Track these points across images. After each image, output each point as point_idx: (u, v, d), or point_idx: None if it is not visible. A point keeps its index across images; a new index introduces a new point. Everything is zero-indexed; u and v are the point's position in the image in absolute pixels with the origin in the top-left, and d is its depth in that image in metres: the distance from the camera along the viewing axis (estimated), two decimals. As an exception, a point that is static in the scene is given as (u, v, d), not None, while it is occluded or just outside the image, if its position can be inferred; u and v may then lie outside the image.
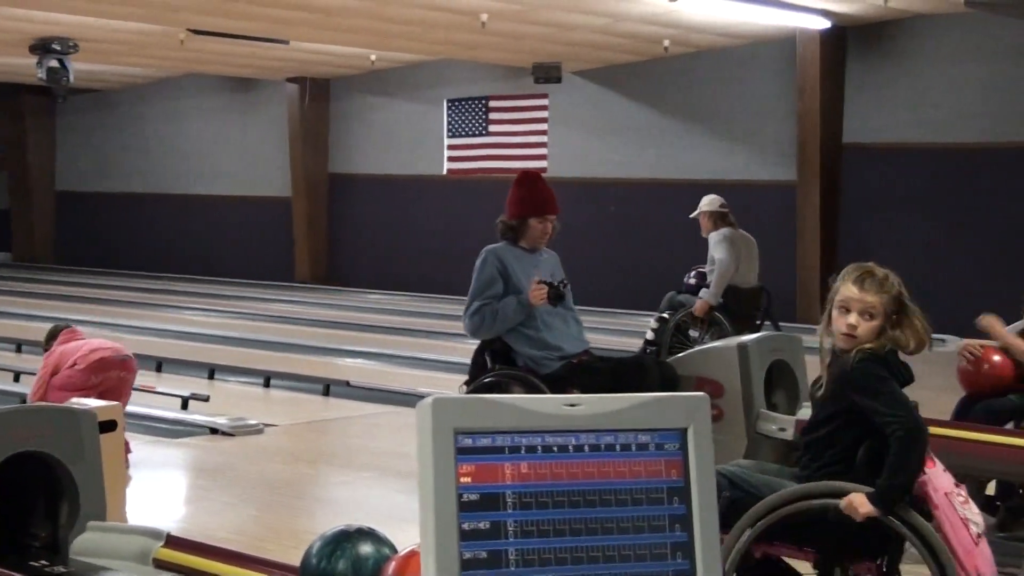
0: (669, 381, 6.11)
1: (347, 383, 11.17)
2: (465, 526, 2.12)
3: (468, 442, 2.16)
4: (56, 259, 27.14)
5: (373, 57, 20.15)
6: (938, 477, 4.05)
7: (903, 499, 3.94)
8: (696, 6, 15.18)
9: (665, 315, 11.12)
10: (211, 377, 11.76)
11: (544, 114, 19.11)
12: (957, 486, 4.08)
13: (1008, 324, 6.32)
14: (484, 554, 2.13)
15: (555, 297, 6.25)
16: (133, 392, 9.84)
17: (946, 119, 16.09)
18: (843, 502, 3.93)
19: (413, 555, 3.03)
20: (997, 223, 15.72)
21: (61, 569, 3.86)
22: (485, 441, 2.17)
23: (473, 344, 6.74)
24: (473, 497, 2.14)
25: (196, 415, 9.38)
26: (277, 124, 23.34)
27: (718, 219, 10.94)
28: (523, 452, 2.19)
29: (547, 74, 18.71)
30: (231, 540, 5.77)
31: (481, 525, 2.14)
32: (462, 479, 2.14)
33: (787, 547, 4.14)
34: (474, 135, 19.68)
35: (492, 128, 19.56)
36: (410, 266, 21.60)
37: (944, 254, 16.11)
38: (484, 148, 19.60)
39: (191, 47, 18.42)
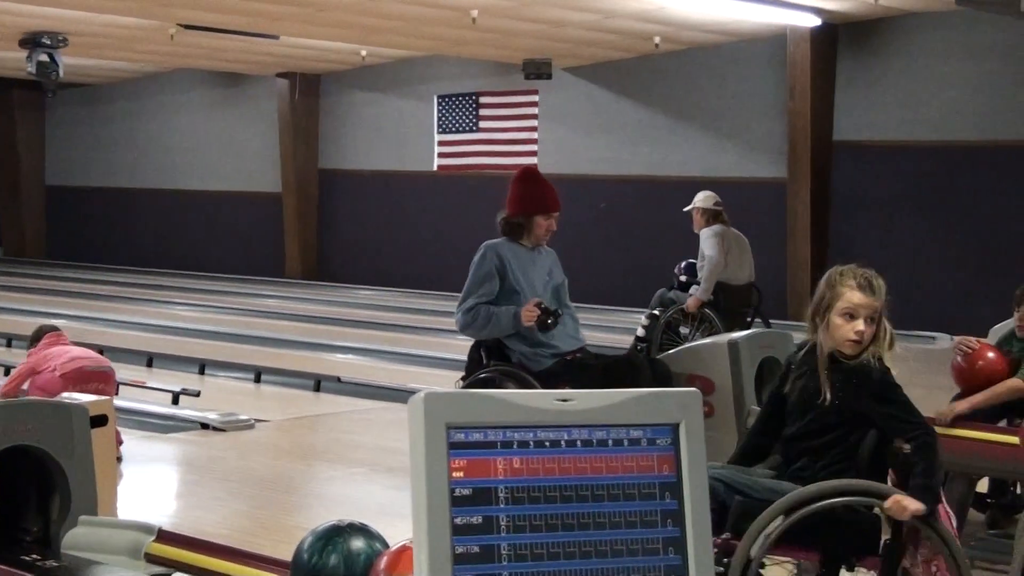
0: (663, 379, 6.11)
1: (338, 379, 11.18)
2: (457, 520, 2.13)
3: (460, 437, 2.17)
4: (46, 254, 27.09)
5: (363, 52, 20.13)
6: None
7: (939, 499, 4.02)
8: (687, 3, 15.20)
9: (656, 312, 11.14)
10: (202, 372, 11.76)
11: (534, 110, 19.10)
12: None
13: (998, 322, 6.33)
14: (476, 548, 2.13)
15: (543, 324, 6.20)
16: (123, 387, 9.88)
17: (936, 117, 16.12)
18: (889, 503, 3.94)
19: (405, 550, 3.03)
20: (987, 221, 15.76)
21: (53, 563, 3.86)
22: (477, 436, 2.18)
23: (464, 340, 6.74)
24: (465, 492, 2.15)
25: (187, 410, 9.38)
26: (267, 119, 23.31)
27: (711, 216, 10.95)
28: (515, 447, 2.20)
29: (538, 70, 18.71)
30: (222, 535, 5.77)
31: (473, 520, 2.14)
32: (454, 474, 2.15)
33: (792, 549, 4.09)
34: (464, 131, 19.67)
35: (482, 124, 19.54)
36: (400, 262, 21.59)
37: (934, 251, 16.14)
38: (474, 144, 19.58)
39: (181, 42, 18.39)
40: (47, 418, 4.05)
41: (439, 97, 19.81)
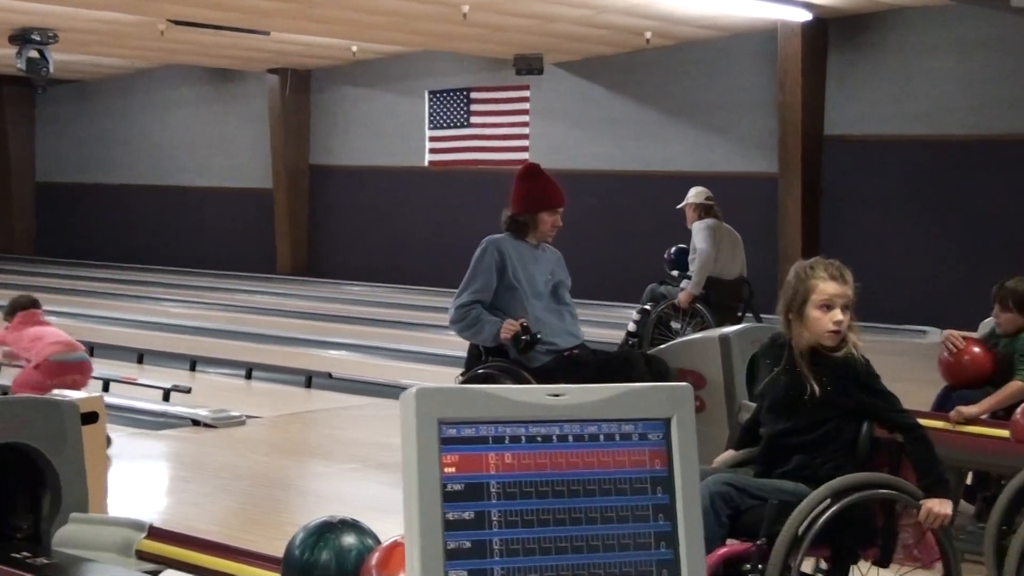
0: (659, 376, 6.09)
1: (329, 375, 11.17)
2: (449, 516, 2.13)
3: (452, 432, 2.16)
4: (36, 251, 27.04)
5: (354, 48, 20.11)
6: None
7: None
8: (678, -2, 15.21)
9: (647, 307, 11.15)
10: (193, 369, 11.74)
11: (526, 106, 19.11)
12: None
13: (987, 317, 6.34)
14: (468, 544, 2.13)
15: (517, 343, 6.16)
16: (115, 384, 9.88)
17: (927, 111, 16.14)
18: (923, 513, 4.00)
19: (397, 546, 3.03)
20: (978, 215, 15.78)
21: (43, 561, 3.85)
22: (469, 431, 2.18)
23: (456, 336, 6.73)
24: (457, 487, 2.15)
25: (178, 407, 9.36)
26: (258, 115, 23.29)
27: (703, 211, 10.98)
28: (507, 442, 2.20)
29: (529, 66, 18.71)
30: (213, 531, 5.77)
31: (465, 515, 2.14)
32: (446, 469, 2.14)
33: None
34: (456, 127, 19.67)
35: (474, 120, 19.55)
36: (392, 257, 21.59)
37: (925, 246, 16.17)
38: (466, 140, 19.59)
39: (171, 38, 18.36)
40: (37, 415, 4.04)
41: (430, 93, 19.81)
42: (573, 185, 18.36)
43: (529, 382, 6.03)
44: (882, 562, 4.17)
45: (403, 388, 2.21)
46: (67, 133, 26.94)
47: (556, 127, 19.43)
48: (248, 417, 9.19)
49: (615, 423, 2.26)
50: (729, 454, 4.38)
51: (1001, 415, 5.75)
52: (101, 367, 11.09)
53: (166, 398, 9.67)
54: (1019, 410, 5.38)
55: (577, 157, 18.97)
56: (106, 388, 9.78)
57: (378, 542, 3.15)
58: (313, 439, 9.12)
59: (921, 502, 4.03)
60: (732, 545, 3.94)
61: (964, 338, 6.08)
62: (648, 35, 17.36)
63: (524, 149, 18.84)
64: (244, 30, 17.76)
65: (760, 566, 3.85)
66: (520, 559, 2.16)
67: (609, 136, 19.14)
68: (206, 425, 8.86)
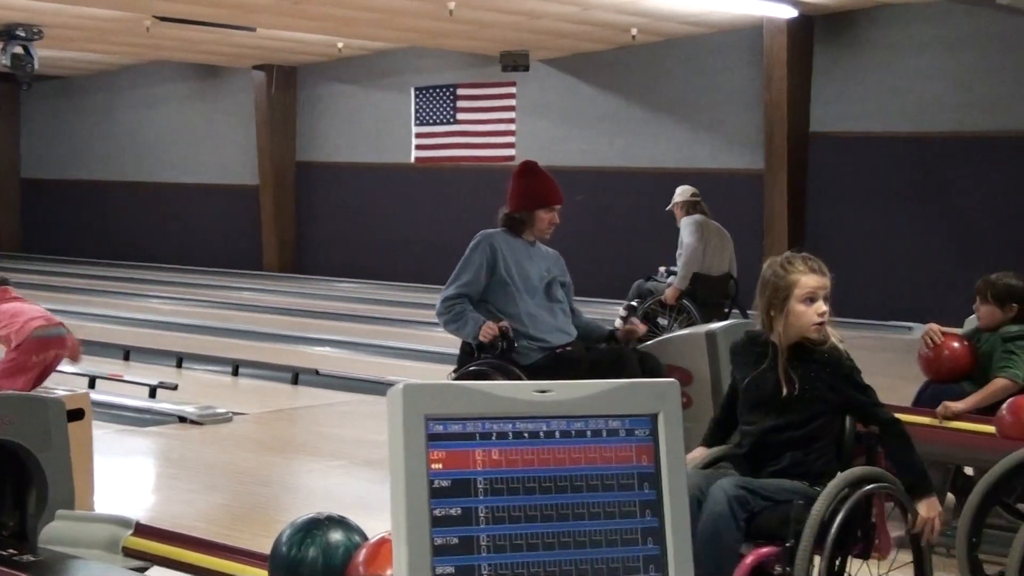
0: (652, 374, 6.08)
1: (316, 371, 11.16)
2: (436, 512, 2.13)
3: (439, 428, 2.16)
4: (21, 247, 26.96)
5: (340, 45, 20.09)
6: None
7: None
8: (664, -6, 15.23)
9: (634, 303, 11.14)
10: (179, 365, 11.73)
11: (512, 102, 19.08)
12: None
13: (973, 313, 6.35)
14: (455, 540, 2.13)
15: (493, 347, 6.14)
16: (100, 380, 9.87)
17: (912, 108, 16.18)
18: (922, 519, 4.05)
19: (384, 542, 3.03)
20: (963, 212, 15.83)
21: (29, 558, 3.84)
22: (456, 427, 2.18)
23: (443, 333, 6.73)
24: (444, 483, 2.15)
25: (164, 404, 9.35)
26: (244, 112, 23.24)
27: (690, 207, 11.06)
28: (494, 438, 2.20)
29: (515, 62, 18.70)
30: (200, 528, 5.76)
31: (452, 511, 2.14)
32: (433, 465, 2.14)
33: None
34: (442, 123, 19.63)
35: (460, 116, 19.52)
36: (378, 254, 21.57)
37: (910, 242, 16.21)
38: (452, 136, 19.55)
39: (157, 34, 18.32)
40: (23, 412, 4.02)
41: (416, 89, 19.78)
42: (559, 182, 18.26)
43: (521, 379, 6.03)
44: (863, 554, 4.19)
45: (390, 385, 2.21)
46: (53, 129, 26.86)
47: (542, 124, 19.43)
48: (235, 414, 9.18)
49: (602, 419, 2.26)
50: (700, 452, 4.35)
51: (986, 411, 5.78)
52: (87, 364, 11.07)
53: (152, 395, 9.65)
54: (1005, 406, 5.40)
55: (563, 154, 18.97)
56: (92, 385, 9.76)
57: (365, 538, 3.15)
58: (300, 436, 9.11)
59: (916, 508, 4.07)
60: (758, 550, 3.93)
61: (943, 333, 6.11)
62: (634, 32, 17.37)
63: (510, 146, 18.82)
64: (230, 26, 17.73)
65: (788, 568, 3.87)
66: (507, 555, 2.16)
67: (595, 133, 19.14)
68: (192, 422, 8.85)
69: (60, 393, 5.41)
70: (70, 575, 3.76)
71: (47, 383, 7.60)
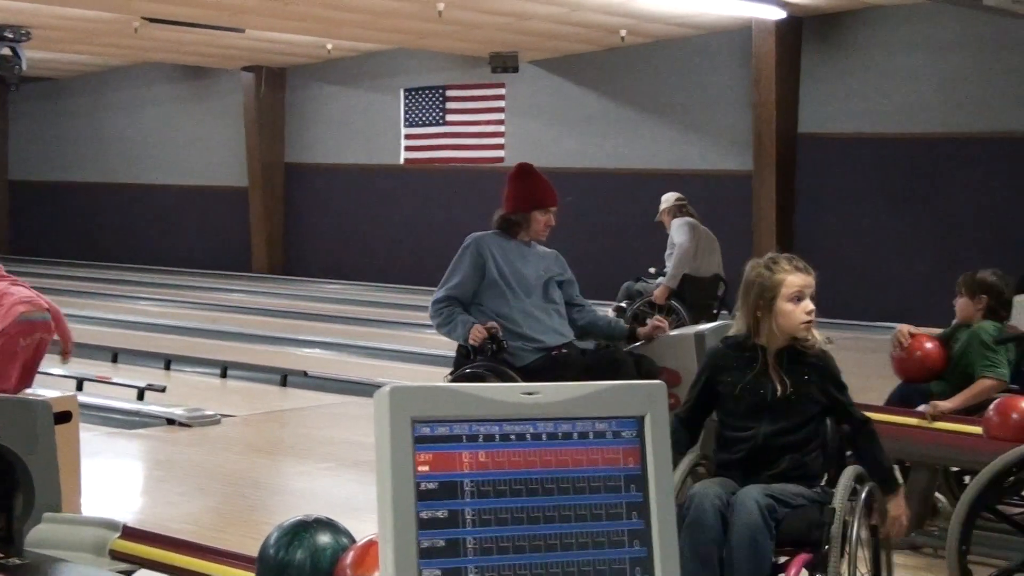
0: (647, 377, 6.07)
1: (304, 373, 11.15)
2: (423, 515, 2.12)
3: (426, 431, 2.16)
4: (9, 249, 26.90)
5: (329, 46, 20.08)
6: None
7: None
8: (653, -4, 15.24)
9: (623, 304, 11.20)
10: (167, 368, 11.71)
11: (501, 104, 19.10)
12: None
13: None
14: (442, 542, 2.13)
15: (482, 349, 6.14)
16: (88, 383, 9.85)
17: (900, 109, 16.22)
18: (891, 517, 4.09)
19: (372, 544, 3.03)
20: (950, 213, 15.87)
21: (16, 561, 3.83)
22: (443, 430, 2.17)
23: (431, 334, 6.73)
24: (431, 486, 2.14)
25: (152, 406, 9.33)
26: (233, 113, 23.22)
27: (676, 212, 11.15)
28: (481, 440, 2.19)
29: (504, 63, 18.72)
30: (188, 531, 5.76)
31: (439, 514, 2.14)
32: (420, 468, 2.14)
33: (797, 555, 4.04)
34: (431, 124, 19.65)
35: (449, 118, 19.54)
36: (367, 256, 21.56)
37: (898, 243, 16.25)
38: (441, 138, 19.57)
39: (145, 35, 18.29)
40: (10, 414, 4.01)
41: (405, 91, 19.80)
42: (548, 183, 17.98)
43: (515, 381, 6.02)
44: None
45: (379, 386, 2.21)
46: (40, 131, 26.81)
47: (531, 125, 19.44)
48: (223, 416, 9.17)
49: (589, 421, 2.26)
50: (687, 463, 4.28)
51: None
52: (75, 366, 11.05)
53: (141, 397, 9.64)
54: (992, 407, 5.41)
55: (552, 155, 18.98)
56: (80, 387, 9.75)
57: (353, 541, 3.14)
58: (288, 438, 9.10)
59: (891, 515, 4.09)
60: (799, 557, 3.93)
61: (912, 334, 6.16)
62: (623, 33, 17.39)
63: (500, 147, 18.84)
64: (219, 27, 17.71)
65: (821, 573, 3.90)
66: (494, 557, 2.16)
67: (584, 134, 19.16)
68: (181, 424, 8.84)
69: (47, 395, 5.39)
70: (57, 578, 3.75)
71: (35, 386, 7.57)
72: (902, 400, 6.07)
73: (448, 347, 6.54)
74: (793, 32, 16.82)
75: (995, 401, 5.46)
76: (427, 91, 19.62)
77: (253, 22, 17.46)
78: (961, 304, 6.10)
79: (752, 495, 3.92)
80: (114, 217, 25.39)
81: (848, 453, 4.32)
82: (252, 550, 3.39)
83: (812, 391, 4.15)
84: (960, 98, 15.73)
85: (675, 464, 4.18)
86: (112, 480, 7.35)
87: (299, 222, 22.92)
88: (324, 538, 3.14)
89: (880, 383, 6.68)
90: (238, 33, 18.29)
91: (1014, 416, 5.24)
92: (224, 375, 11.36)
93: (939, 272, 15.30)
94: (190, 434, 8.66)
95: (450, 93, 19.54)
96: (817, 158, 16.95)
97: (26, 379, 7.10)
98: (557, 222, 6.66)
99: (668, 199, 11.31)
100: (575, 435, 2.26)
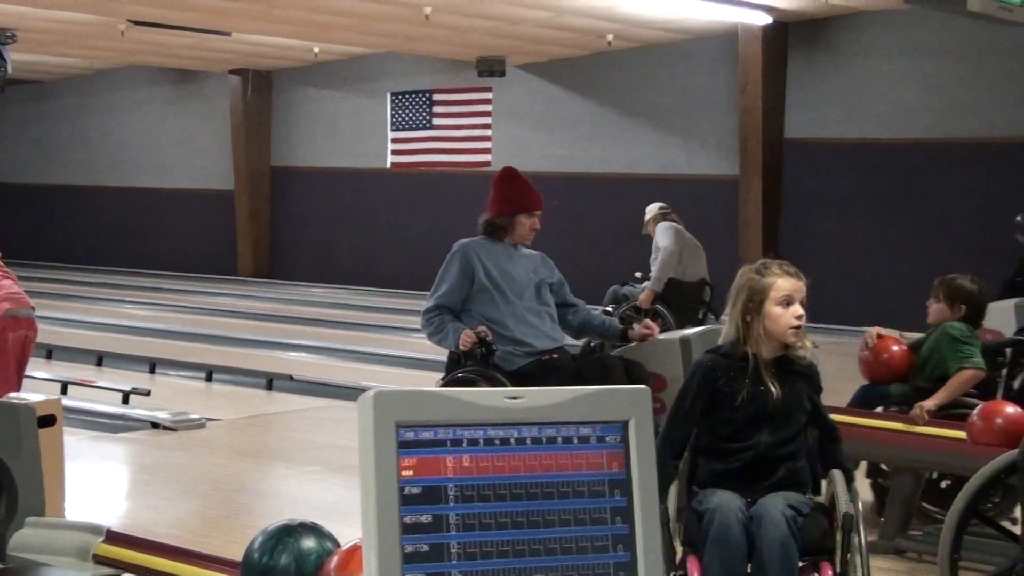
0: (638, 382, 6.05)
1: (290, 377, 11.13)
2: (407, 520, 2.12)
3: (410, 435, 2.16)
4: (-6, 252, 26.81)
5: (316, 49, 20.07)
6: None
7: None
8: (639, 1, 15.25)
9: (609, 309, 11.20)
10: (152, 371, 11.68)
11: (488, 108, 19.09)
12: None
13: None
14: (426, 547, 2.12)
15: (470, 352, 6.13)
16: (73, 386, 9.82)
17: (886, 115, 16.26)
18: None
19: (356, 549, 3.02)
20: (936, 217, 15.90)
21: (-1, 565, 3.83)
22: (427, 434, 2.17)
23: (417, 338, 6.73)
24: (415, 491, 2.14)
25: (137, 409, 9.31)
26: (219, 116, 23.19)
27: (660, 219, 11.22)
28: (465, 445, 2.19)
29: (491, 68, 18.72)
30: (172, 535, 5.74)
31: (423, 518, 2.13)
32: (404, 472, 2.14)
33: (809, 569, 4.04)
34: (418, 128, 19.63)
35: (436, 121, 19.52)
36: (353, 259, 21.54)
37: (884, 248, 16.28)
38: (428, 141, 19.55)
39: (132, 38, 18.26)
40: (-7, 418, 4.00)
41: (392, 94, 19.78)
42: (535, 187, 18.10)
43: (505, 386, 6.01)
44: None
45: (364, 391, 2.20)
46: (26, 134, 26.74)
47: (518, 129, 19.44)
48: (208, 420, 9.15)
49: (573, 426, 2.26)
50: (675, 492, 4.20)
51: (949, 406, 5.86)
52: (60, 370, 11.04)
53: (125, 401, 9.61)
54: (975, 412, 5.43)
55: (539, 159, 18.99)
56: (65, 391, 9.72)
57: (337, 545, 3.14)
58: (274, 442, 9.08)
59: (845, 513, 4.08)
60: (825, 565, 3.93)
61: (879, 335, 6.23)
62: (610, 37, 17.41)
63: (486, 151, 18.83)
64: (205, 31, 17.68)
65: None
66: (478, 562, 2.16)
67: (571, 138, 19.17)
68: (166, 428, 8.81)
69: (31, 399, 5.38)
70: (40, 583, 3.74)
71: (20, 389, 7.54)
72: (863, 401, 6.15)
73: (434, 351, 6.54)
74: (779, 37, 16.85)
75: (978, 407, 5.48)
76: (414, 95, 19.61)
77: (240, 25, 17.43)
78: (937, 309, 6.15)
79: (778, 507, 3.89)
80: (100, 220, 25.33)
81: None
82: (237, 554, 3.38)
83: (802, 400, 4.15)
84: (946, 103, 15.77)
85: (665, 493, 4.11)
86: (96, 484, 7.33)
87: (285, 226, 22.89)
88: (309, 542, 3.14)
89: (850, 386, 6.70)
90: (225, 36, 18.26)
91: (998, 421, 5.26)
92: (209, 379, 11.33)
93: (925, 276, 15.25)
94: (175, 438, 8.64)
95: (437, 97, 19.52)
96: (803, 163, 16.98)
97: (17, 381, 7.09)
98: (543, 226, 6.66)
99: (651, 209, 11.41)
100: (559, 439, 2.26)
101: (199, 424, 8.98)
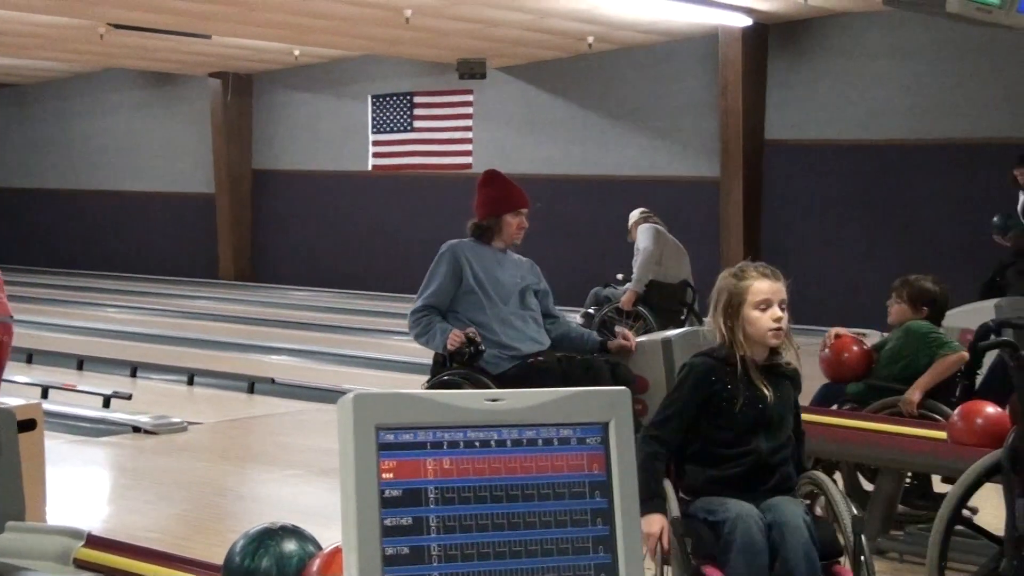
0: (624, 384, 6.03)
1: (272, 380, 11.12)
2: (387, 522, 2.12)
3: (390, 438, 2.16)
4: (-26, 256, 26.74)
5: (296, 52, 20.05)
6: None
7: None
8: (620, 3, 15.27)
9: (591, 311, 11.22)
10: (134, 375, 11.65)
11: (469, 110, 19.09)
12: None
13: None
14: (406, 550, 2.12)
15: (460, 353, 6.12)
16: (53, 390, 9.78)
17: (866, 116, 16.31)
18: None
19: (338, 552, 3.02)
20: (916, 219, 15.96)
21: (-21, 570, 3.81)
22: (407, 437, 2.17)
23: (400, 340, 6.72)
24: (395, 493, 2.14)
25: (119, 413, 9.29)
26: (200, 119, 23.14)
27: (642, 221, 11.23)
28: (445, 447, 2.19)
29: (472, 70, 18.71)
30: (154, 539, 5.73)
31: (403, 521, 2.13)
32: (384, 475, 2.14)
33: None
34: (399, 131, 19.62)
35: (417, 124, 19.51)
36: (335, 262, 21.51)
37: (864, 250, 16.33)
38: (409, 144, 19.54)
39: (111, 41, 18.21)
40: (-27, 423, 3.98)
41: (373, 97, 19.77)
42: (516, 189, 17.89)
43: (490, 388, 6.00)
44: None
45: (346, 393, 2.20)
46: (5, 138, 26.64)
47: (499, 131, 19.45)
48: (190, 423, 9.13)
49: (553, 427, 2.27)
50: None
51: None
52: (40, 373, 11.00)
53: (106, 405, 9.58)
54: (956, 412, 5.45)
55: (520, 161, 18.99)
56: (45, 395, 9.69)
57: (319, 548, 3.14)
58: (255, 445, 9.07)
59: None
60: (840, 570, 3.94)
61: (837, 335, 6.30)
62: (590, 40, 17.43)
63: (468, 153, 18.83)
64: (185, 34, 17.65)
65: None
66: (459, 564, 2.16)
67: (552, 140, 19.18)
68: (147, 432, 8.79)
69: (11, 403, 5.36)
70: (20, 588, 3.73)
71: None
72: (824, 400, 6.20)
73: (415, 353, 6.54)
74: (759, 39, 16.90)
75: (959, 407, 5.50)
76: (395, 97, 19.60)
77: (219, 28, 17.40)
78: (899, 310, 6.22)
79: (798, 514, 3.88)
80: (80, 223, 25.25)
81: None
82: (218, 558, 3.38)
83: (792, 404, 4.16)
84: (925, 105, 15.84)
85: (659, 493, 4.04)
86: (77, 488, 7.31)
87: (266, 228, 22.85)
88: (290, 545, 3.13)
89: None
90: (204, 39, 18.23)
91: (978, 421, 5.28)
92: (191, 382, 11.31)
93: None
94: (156, 442, 8.62)
95: (418, 99, 19.52)
96: (784, 164, 17.03)
97: None
98: (527, 228, 6.66)
99: (634, 215, 11.45)
100: (540, 441, 2.26)
101: (180, 428, 8.96)
